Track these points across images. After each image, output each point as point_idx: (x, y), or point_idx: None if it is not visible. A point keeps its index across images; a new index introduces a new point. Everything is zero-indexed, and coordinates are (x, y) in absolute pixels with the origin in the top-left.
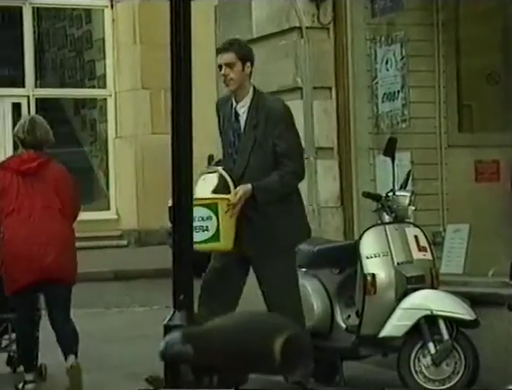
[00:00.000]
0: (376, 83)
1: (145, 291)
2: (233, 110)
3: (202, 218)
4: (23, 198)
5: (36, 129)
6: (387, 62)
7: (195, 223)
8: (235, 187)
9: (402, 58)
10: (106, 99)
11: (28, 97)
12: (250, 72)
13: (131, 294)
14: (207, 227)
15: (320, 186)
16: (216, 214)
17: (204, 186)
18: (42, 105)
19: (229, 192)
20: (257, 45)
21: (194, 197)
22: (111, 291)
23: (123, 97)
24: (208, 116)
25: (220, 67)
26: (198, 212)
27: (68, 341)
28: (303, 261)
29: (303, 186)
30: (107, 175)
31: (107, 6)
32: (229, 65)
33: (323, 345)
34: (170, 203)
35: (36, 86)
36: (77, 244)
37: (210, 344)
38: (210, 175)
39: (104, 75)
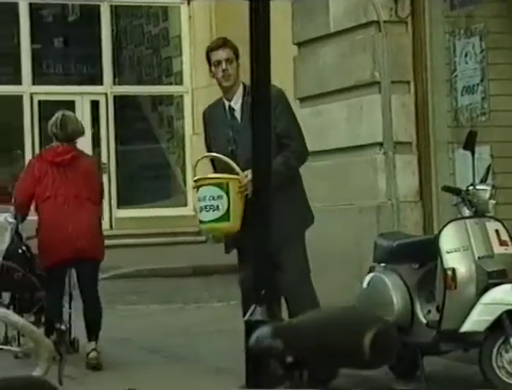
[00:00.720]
0: (455, 76)
1: (222, 286)
2: (227, 109)
3: (213, 197)
4: (58, 186)
5: (67, 125)
6: (466, 55)
7: (205, 203)
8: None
9: (482, 50)
10: (182, 96)
11: (106, 94)
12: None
13: (209, 289)
14: (217, 206)
15: (399, 181)
16: (227, 193)
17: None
18: (120, 102)
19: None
20: (334, 40)
21: (205, 176)
22: (190, 286)
23: (199, 93)
24: None
25: (218, 62)
26: (209, 191)
27: (93, 315)
28: (382, 256)
29: (381, 180)
30: (184, 172)
31: (184, 3)
32: (228, 61)
33: (403, 341)
34: None
35: (114, 83)
36: (157, 239)
37: (300, 339)
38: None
39: (181, 72)
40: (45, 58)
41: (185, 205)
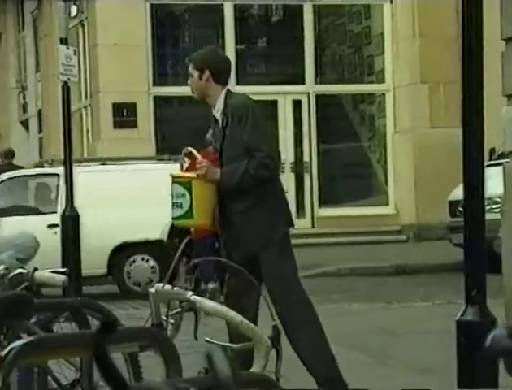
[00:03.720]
0: None
1: (426, 286)
2: (213, 117)
3: (178, 195)
4: None
5: None
6: None
7: (174, 199)
8: None
9: None
10: (384, 94)
11: (308, 93)
12: (214, 78)
13: (412, 289)
14: (181, 203)
15: None
16: (190, 191)
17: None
18: (322, 101)
19: None
20: None
21: (176, 173)
22: (392, 285)
23: (401, 91)
24: (494, 109)
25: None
26: (175, 189)
27: None
28: None
29: None
30: (385, 170)
31: (387, 1)
32: (190, 75)
33: None
34: (450, 197)
35: (315, 83)
36: (358, 238)
37: None
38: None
39: (382, 70)
40: (249, 59)
41: (387, 204)
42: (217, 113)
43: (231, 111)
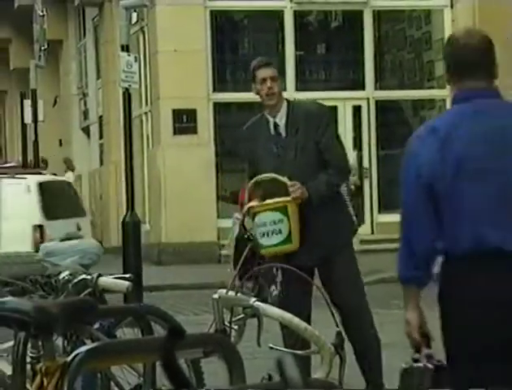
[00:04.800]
0: None
1: None
2: (272, 125)
3: (274, 222)
4: None
5: None
6: None
7: (267, 228)
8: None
9: None
10: (444, 100)
11: (368, 99)
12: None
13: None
14: (280, 229)
15: None
16: (287, 215)
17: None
18: (382, 107)
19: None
20: None
21: (260, 203)
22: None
23: None
24: None
25: (263, 80)
26: (270, 217)
27: None
28: None
29: None
30: None
31: (447, 6)
32: (273, 79)
33: None
34: None
35: (375, 88)
36: (383, 246)
37: None
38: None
39: (443, 76)
40: (309, 65)
41: None
42: (280, 120)
43: (304, 116)
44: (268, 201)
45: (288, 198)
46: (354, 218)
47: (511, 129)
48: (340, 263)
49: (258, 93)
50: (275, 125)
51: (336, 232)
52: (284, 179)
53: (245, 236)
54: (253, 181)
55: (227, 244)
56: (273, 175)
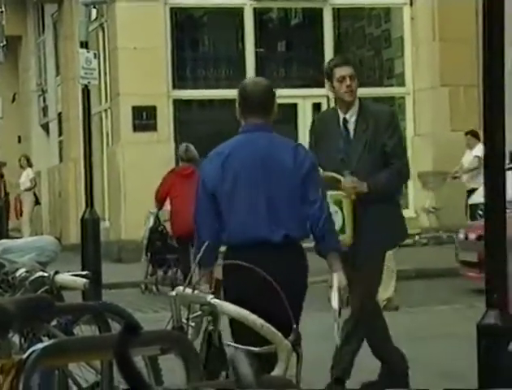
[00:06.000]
0: None
1: (446, 289)
2: (341, 120)
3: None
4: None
5: (189, 152)
6: None
7: None
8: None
9: None
10: (404, 97)
11: (328, 96)
12: None
13: (432, 293)
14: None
15: None
16: (341, 209)
17: None
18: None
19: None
20: None
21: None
22: (413, 289)
23: (421, 94)
24: None
25: (343, 78)
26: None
27: None
28: None
29: None
30: None
31: (406, 4)
32: (352, 77)
33: None
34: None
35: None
36: None
37: None
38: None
39: (402, 74)
40: (269, 62)
41: (407, 207)
42: (351, 117)
43: (375, 117)
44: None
45: (344, 193)
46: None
47: (270, 153)
48: (369, 266)
49: (333, 90)
50: (345, 121)
51: (387, 235)
52: (340, 177)
53: (159, 229)
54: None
55: (142, 235)
56: (331, 173)
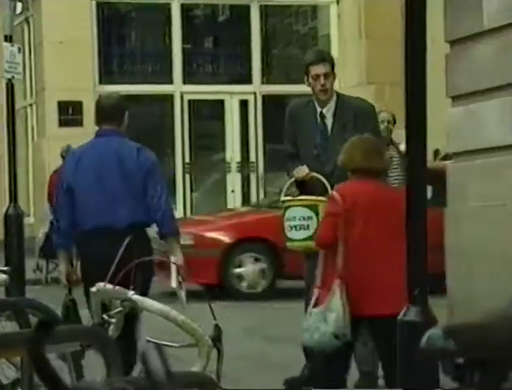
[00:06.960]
0: None
1: None
2: (318, 114)
3: (304, 218)
4: None
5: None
6: None
7: (295, 222)
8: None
9: None
10: None
11: (255, 93)
12: None
13: None
14: (308, 225)
15: None
16: (317, 214)
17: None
18: (268, 101)
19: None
20: (489, 37)
21: (294, 198)
22: None
23: (348, 92)
24: (438, 110)
25: (317, 76)
26: (300, 212)
27: None
28: None
29: None
30: None
31: (333, 2)
32: (326, 75)
33: None
34: None
35: (262, 83)
36: None
37: (474, 340)
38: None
39: None
40: (196, 58)
41: None
42: (328, 112)
43: (354, 112)
44: (302, 197)
45: (321, 198)
46: None
47: (117, 154)
48: None
49: (309, 86)
50: (322, 115)
51: None
52: (327, 185)
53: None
54: (292, 180)
55: (38, 238)
56: (316, 175)
